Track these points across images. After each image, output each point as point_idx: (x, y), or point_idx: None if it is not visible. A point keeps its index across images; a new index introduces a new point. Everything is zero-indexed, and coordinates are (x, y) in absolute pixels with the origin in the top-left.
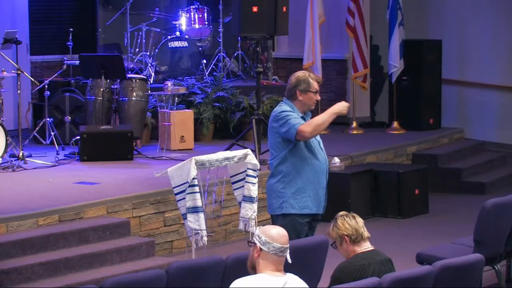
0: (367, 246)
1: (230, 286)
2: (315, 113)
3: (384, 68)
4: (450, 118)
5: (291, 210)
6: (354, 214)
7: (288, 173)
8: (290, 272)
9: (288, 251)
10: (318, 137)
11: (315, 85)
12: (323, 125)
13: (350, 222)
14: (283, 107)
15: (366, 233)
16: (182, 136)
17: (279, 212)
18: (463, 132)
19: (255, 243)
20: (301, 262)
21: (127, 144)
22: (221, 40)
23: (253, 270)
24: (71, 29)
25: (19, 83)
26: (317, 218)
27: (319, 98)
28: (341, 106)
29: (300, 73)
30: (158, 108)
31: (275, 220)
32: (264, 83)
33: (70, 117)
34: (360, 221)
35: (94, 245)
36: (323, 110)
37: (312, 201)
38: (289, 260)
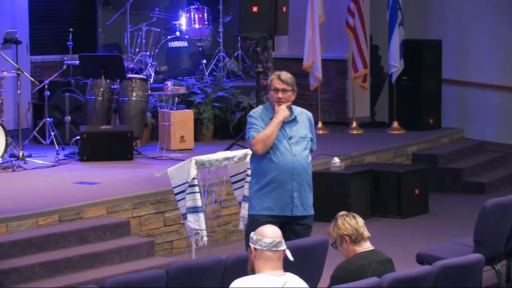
0: (367, 246)
1: (230, 286)
2: (315, 113)
3: (384, 68)
4: (450, 118)
5: (252, 210)
6: (354, 214)
7: (254, 173)
8: (290, 272)
9: (285, 247)
10: (296, 137)
11: (273, 83)
12: (271, 137)
13: (351, 222)
14: (254, 110)
15: (366, 233)
16: (182, 136)
17: (248, 213)
18: (463, 132)
19: (250, 246)
20: (301, 262)
21: (127, 144)
22: (221, 40)
23: (253, 273)
24: (71, 29)
25: (19, 83)
26: (301, 223)
27: (279, 95)
28: (283, 112)
29: None
30: (158, 108)
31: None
32: (264, 83)
33: (70, 117)
34: (360, 221)
35: (94, 245)
36: (323, 110)
37: (274, 202)
38: (291, 258)
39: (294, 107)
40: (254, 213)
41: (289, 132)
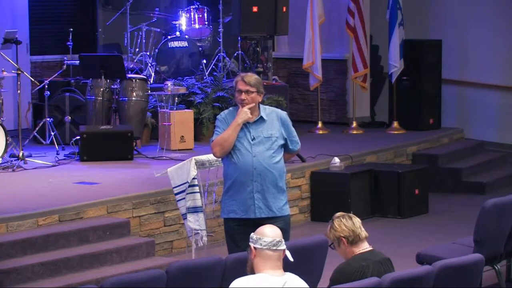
0: (365, 247)
1: (230, 286)
2: (315, 113)
3: (384, 68)
4: (450, 118)
5: (222, 214)
6: (350, 215)
7: (223, 175)
8: (290, 272)
9: (285, 247)
10: (259, 138)
11: (237, 85)
12: (228, 140)
13: (347, 223)
14: (221, 112)
15: (363, 233)
16: (182, 136)
17: None
18: (463, 132)
19: (249, 246)
20: (301, 262)
21: (127, 144)
22: (221, 40)
23: (253, 273)
24: (71, 29)
25: (19, 83)
26: (273, 222)
27: (242, 97)
28: (243, 115)
29: None
30: (158, 108)
31: None
32: (264, 83)
33: (70, 117)
34: (357, 221)
35: (94, 245)
36: (323, 110)
37: (238, 205)
38: (291, 259)
39: (264, 107)
40: (224, 217)
41: (253, 132)
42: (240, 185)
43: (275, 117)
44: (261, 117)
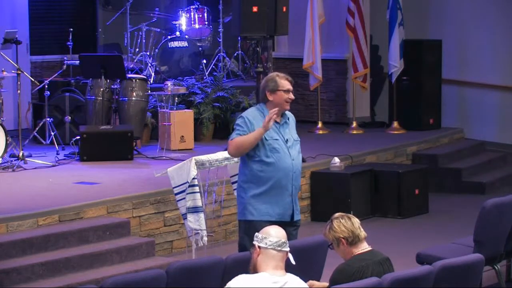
0: (364, 247)
1: (230, 284)
2: (315, 113)
3: (384, 68)
4: (450, 118)
5: (250, 216)
6: (349, 215)
7: (249, 177)
8: (290, 272)
9: (289, 249)
10: (291, 140)
11: (284, 84)
12: (249, 145)
13: (346, 224)
14: (246, 112)
15: (362, 234)
16: (182, 136)
17: (241, 218)
18: (463, 132)
19: (254, 245)
20: (301, 262)
21: (127, 144)
22: (221, 40)
23: (255, 272)
24: (71, 29)
25: (19, 83)
26: (294, 224)
27: (292, 97)
28: (271, 123)
29: (269, 75)
30: (158, 108)
31: (239, 225)
32: None
33: (70, 117)
34: (356, 222)
35: (94, 245)
36: (323, 110)
37: (274, 207)
38: (293, 262)
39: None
40: (253, 219)
41: (284, 135)
42: (280, 188)
43: (292, 120)
44: (288, 119)
